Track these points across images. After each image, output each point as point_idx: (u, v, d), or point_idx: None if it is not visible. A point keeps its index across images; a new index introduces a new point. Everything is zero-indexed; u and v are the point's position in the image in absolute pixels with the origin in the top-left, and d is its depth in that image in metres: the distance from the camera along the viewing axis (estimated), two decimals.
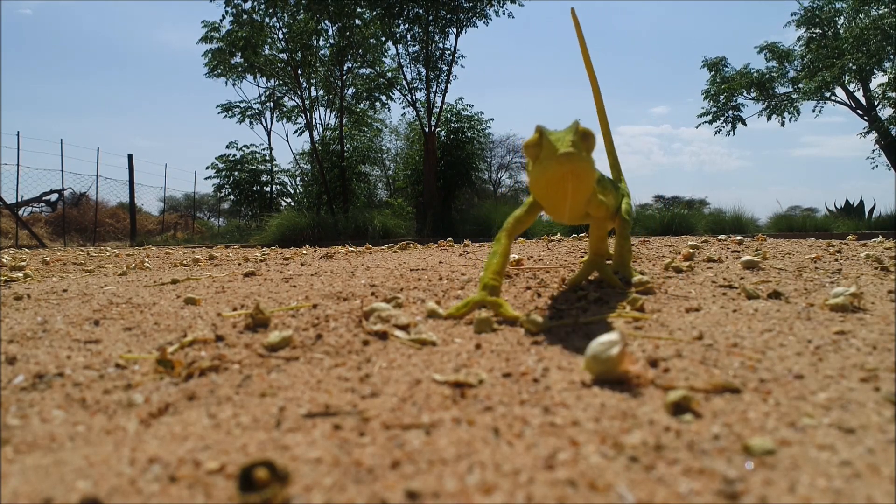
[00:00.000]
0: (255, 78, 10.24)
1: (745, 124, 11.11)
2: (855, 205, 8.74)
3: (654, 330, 0.81)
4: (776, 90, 10.91)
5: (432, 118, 9.05)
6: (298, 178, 11.69)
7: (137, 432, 0.52)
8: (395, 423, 0.52)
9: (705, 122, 11.25)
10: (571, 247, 2.07)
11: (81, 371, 0.71)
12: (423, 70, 9.02)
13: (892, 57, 8.80)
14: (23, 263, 2.46)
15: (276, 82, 10.29)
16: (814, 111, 10.16)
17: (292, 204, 11.08)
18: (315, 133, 9.68)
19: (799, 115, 10.71)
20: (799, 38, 10.27)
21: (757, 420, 0.50)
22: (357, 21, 8.65)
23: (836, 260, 1.48)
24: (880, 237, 2.37)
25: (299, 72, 9.16)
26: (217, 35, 9.46)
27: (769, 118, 11.04)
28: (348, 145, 10.63)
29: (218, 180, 11.23)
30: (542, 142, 0.84)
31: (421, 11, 8.53)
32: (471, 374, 0.63)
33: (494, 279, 0.93)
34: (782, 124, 10.96)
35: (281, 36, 8.92)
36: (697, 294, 1.04)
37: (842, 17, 9.61)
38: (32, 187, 11.60)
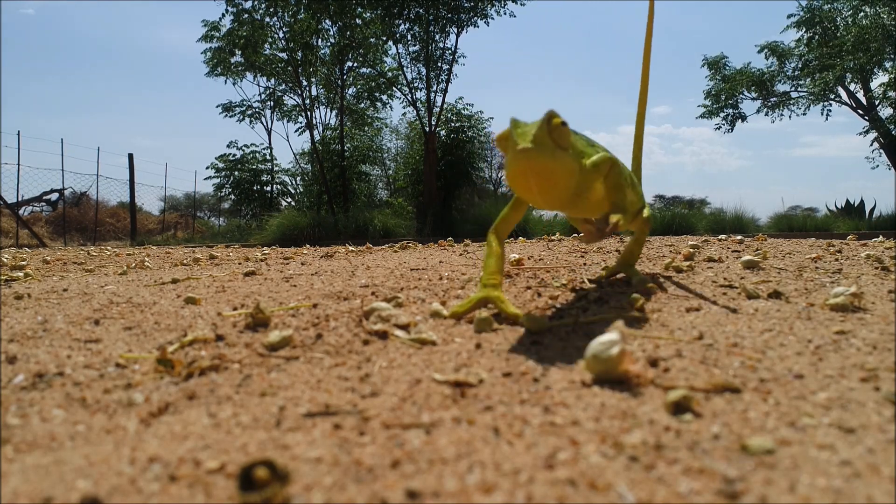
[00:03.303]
0: (255, 77, 10.24)
1: (745, 120, 11.10)
2: (855, 204, 8.73)
3: (654, 330, 0.81)
4: (776, 88, 10.90)
5: (433, 118, 9.05)
6: (299, 178, 11.69)
7: (137, 432, 0.52)
8: (395, 423, 0.52)
9: (704, 115, 11.21)
10: (572, 246, 2.07)
11: (81, 370, 0.71)
12: (423, 69, 9.01)
13: (892, 57, 8.79)
14: (23, 263, 2.45)
15: (277, 81, 10.29)
16: (822, 114, 10.18)
17: (293, 203, 11.08)
18: (315, 132, 9.67)
19: (797, 113, 10.73)
20: (799, 39, 10.26)
21: (757, 420, 0.50)
22: (357, 21, 8.65)
23: (837, 260, 1.48)
24: (881, 237, 2.37)
25: (300, 71, 9.15)
26: (217, 34, 9.46)
27: (767, 113, 11.05)
28: (348, 145, 10.62)
29: (218, 180, 11.23)
30: (511, 135, 0.81)
31: (421, 11, 8.52)
32: (471, 374, 0.63)
33: (493, 278, 0.93)
34: (779, 119, 10.98)
35: (281, 35, 8.92)
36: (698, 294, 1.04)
37: (840, 17, 9.59)
38: (33, 187, 11.64)
